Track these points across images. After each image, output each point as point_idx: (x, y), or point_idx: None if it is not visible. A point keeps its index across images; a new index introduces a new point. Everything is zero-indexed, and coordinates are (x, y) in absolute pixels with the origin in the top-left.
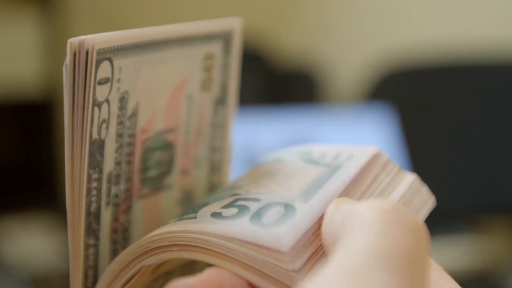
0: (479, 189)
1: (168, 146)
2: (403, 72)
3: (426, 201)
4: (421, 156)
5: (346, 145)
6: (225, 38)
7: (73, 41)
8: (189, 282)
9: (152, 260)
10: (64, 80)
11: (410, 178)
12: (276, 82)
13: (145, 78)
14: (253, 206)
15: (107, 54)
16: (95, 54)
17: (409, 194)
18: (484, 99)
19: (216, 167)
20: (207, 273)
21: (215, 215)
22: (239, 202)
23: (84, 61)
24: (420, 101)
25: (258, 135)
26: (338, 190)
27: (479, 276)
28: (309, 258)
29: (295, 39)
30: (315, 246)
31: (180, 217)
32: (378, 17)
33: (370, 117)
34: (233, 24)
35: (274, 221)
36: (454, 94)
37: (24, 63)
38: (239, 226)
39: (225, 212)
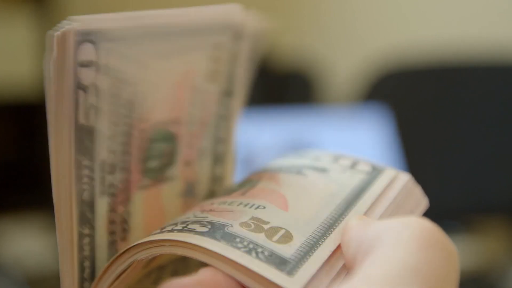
0: (475, 190)
1: (171, 137)
2: (399, 73)
3: (419, 202)
4: (417, 157)
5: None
6: (234, 28)
7: (54, 31)
8: (183, 282)
9: (143, 254)
10: (46, 73)
11: (403, 179)
12: (272, 83)
13: (148, 68)
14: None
15: (88, 36)
16: (72, 35)
17: (402, 195)
18: (480, 100)
19: (219, 159)
20: (202, 273)
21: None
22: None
23: (63, 45)
24: (416, 102)
25: (254, 136)
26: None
27: (475, 276)
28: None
29: (291, 39)
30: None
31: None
32: (374, 17)
33: (366, 117)
34: (243, 13)
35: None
36: (450, 94)
37: (19, 64)
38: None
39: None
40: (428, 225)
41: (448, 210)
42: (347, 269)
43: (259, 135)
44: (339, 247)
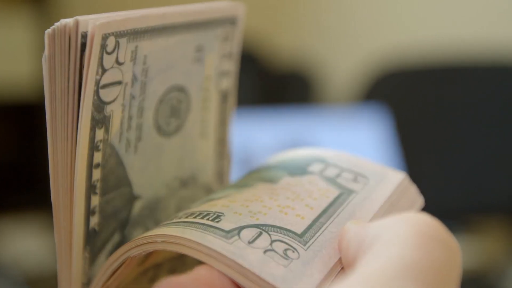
0: (475, 190)
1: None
2: (398, 73)
3: (414, 200)
4: (416, 157)
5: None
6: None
7: (62, 24)
8: (179, 280)
9: (136, 251)
10: (44, 72)
11: (398, 177)
12: (271, 83)
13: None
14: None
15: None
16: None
17: (397, 193)
18: (478, 100)
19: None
20: (198, 271)
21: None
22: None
23: (79, 45)
24: (414, 102)
25: (253, 136)
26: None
27: (474, 276)
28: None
29: (290, 40)
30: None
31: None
32: (373, 18)
33: (364, 117)
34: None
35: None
36: (449, 95)
37: (19, 64)
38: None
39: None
40: (428, 220)
41: (448, 210)
42: (341, 264)
43: (258, 135)
44: (333, 246)
